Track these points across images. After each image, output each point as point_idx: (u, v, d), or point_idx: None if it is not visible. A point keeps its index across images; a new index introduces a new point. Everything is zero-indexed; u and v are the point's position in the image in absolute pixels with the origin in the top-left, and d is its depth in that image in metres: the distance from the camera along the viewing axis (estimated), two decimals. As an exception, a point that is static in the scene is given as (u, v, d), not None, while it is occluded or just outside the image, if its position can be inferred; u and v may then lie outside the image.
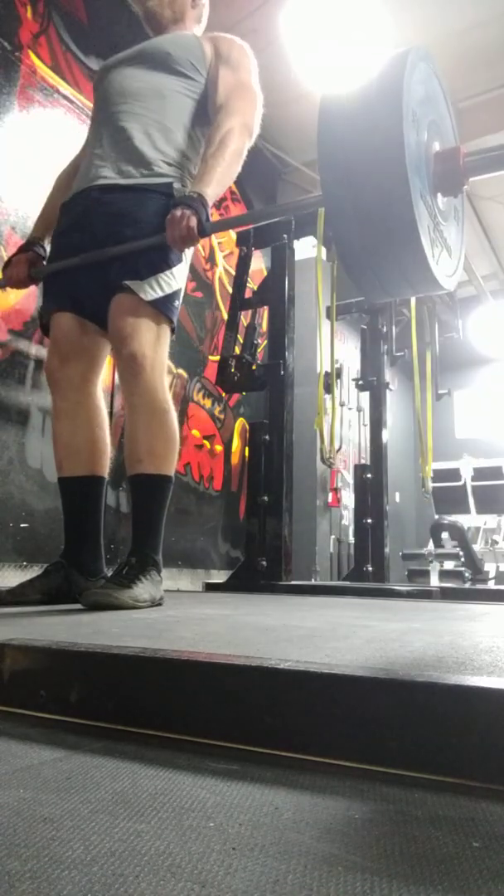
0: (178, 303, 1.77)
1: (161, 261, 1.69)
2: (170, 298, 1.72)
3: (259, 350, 3.36)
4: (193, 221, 1.57)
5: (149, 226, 1.67)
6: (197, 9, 2.00)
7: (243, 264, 3.36)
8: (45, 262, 1.88)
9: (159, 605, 1.66)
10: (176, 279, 1.73)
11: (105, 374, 1.89)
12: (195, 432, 4.35)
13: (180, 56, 1.84)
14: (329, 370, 3.62)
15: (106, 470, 1.84)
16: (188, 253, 1.80)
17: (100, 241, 1.71)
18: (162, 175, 1.75)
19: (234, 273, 3.41)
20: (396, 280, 1.27)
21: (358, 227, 1.17)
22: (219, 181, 1.68)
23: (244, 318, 3.25)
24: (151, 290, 1.67)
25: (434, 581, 5.34)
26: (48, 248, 1.91)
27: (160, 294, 1.69)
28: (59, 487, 1.83)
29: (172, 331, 1.79)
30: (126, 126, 1.77)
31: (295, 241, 3.37)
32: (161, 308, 1.69)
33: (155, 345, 1.69)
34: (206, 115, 1.85)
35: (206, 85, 1.85)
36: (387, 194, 1.11)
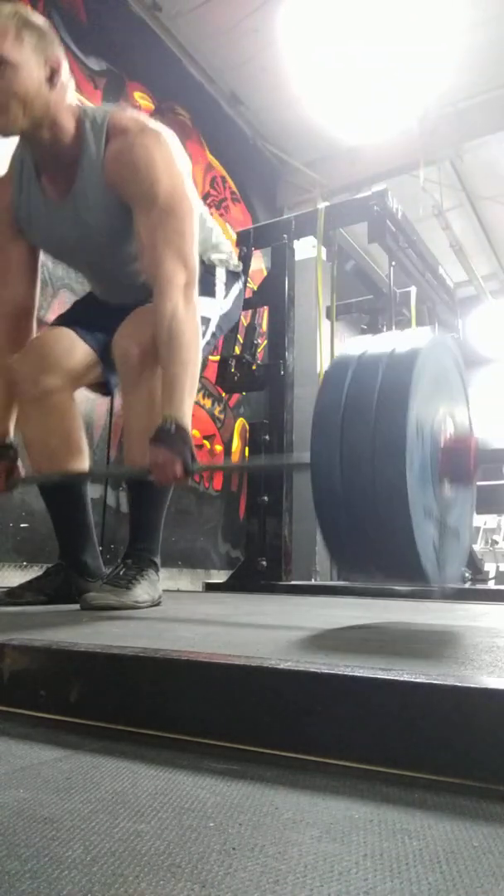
0: (205, 328, 1.70)
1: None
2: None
3: (259, 350, 3.37)
4: (179, 468, 1.41)
5: None
6: (57, 89, 1.51)
7: (243, 264, 3.36)
8: (18, 463, 1.75)
9: (158, 604, 1.66)
10: (204, 309, 1.68)
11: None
12: (195, 432, 4.34)
13: (121, 241, 1.63)
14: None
15: (86, 467, 1.80)
16: (221, 294, 1.83)
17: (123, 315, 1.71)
18: None
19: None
20: (387, 571, 1.19)
21: (346, 505, 1.06)
22: (190, 392, 1.50)
23: (244, 318, 3.25)
24: None
25: (434, 581, 5.33)
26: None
27: None
28: (40, 493, 1.81)
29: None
30: (118, 291, 1.78)
31: (295, 241, 3.37)
32: None
33: (155, 344, 1.68)
34: None
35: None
36: (384, 487, 1.01)
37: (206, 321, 1.72)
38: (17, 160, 1.69)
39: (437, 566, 1.13)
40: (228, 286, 1.88)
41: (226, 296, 1.86)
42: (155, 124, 1.59)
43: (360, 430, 1.04)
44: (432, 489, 1.12)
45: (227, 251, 1.89)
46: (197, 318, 1.54)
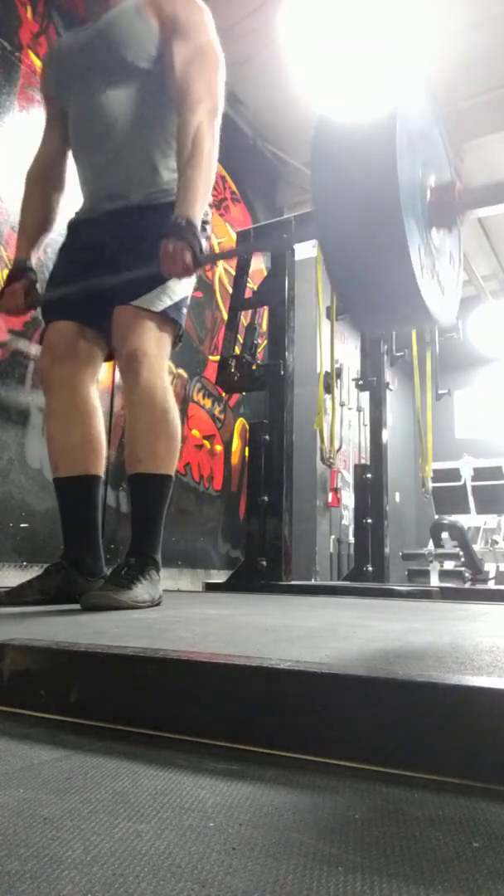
0: (185, 309, 1.78)
1: None
2: (177, 305, 1.74)
3: (259, 350, 3.37)
4: (188, 256, 1.53)
5: (155, 244, 1.67)
6: None
7: (243, 264, 3.36)
8: (37, 285, 1.85)
9: (158, 604, 1.66)
10: (182, 286, 1.74)
11: (105, 374, 1.89)
12: (195, 432, 4.35)
13: (137, 54, 1.74)
14: (329, 370, 3.62)
15: (102, 469, 1.83)
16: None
17: (108, 258, 1.72)
18: (163, 192, 1.76)
19: (233, 273, 3.41)
20: (389, 307, 1.27)
21: (350, 256, 1.17)
22: (203, 195, 1.62)
23: (244, 318, 3.25)
24: (160, 302, 1.70)
25: (434, 581, 5.34)
26: (34, 262, 1.88)
27: (168, 303, 1.71)
28: (55, 488, 1.83)
29: (180, 338, 1.81)
30: (116, 152, 1.77)
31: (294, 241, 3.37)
32: (166, 311, 1.72)
33: (157, 343, 1.70)
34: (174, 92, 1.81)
35: (164, 61, 1.75)
36: (380, 221, 1.11)
37: (183, 301, 1.77)
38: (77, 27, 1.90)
39: (436, 306, 1.21)
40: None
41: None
42: None
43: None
44: (424, 236, 1.21)
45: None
46: (216, 139, 1.67)
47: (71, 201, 1.97)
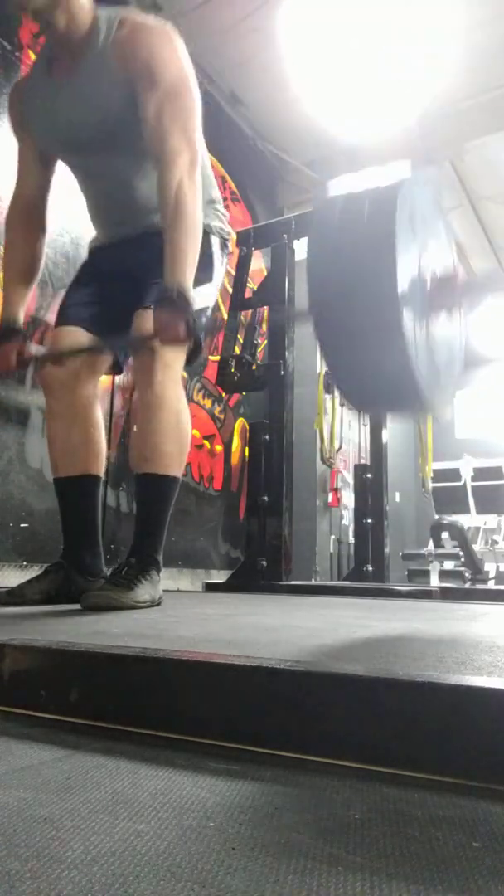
0: (203, 319, 1.77)
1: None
2: (196, 314, 1.71)
3: (259, 350, 3.37)
4: (182, 329, 1.49)
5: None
6: None
7: (243, 264, 3.36)
8: (28, 343, 1.80)
9: (159, 604, 1.66)
10: (203, 297, 1.73)
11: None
12: (195, 432, 4.34)
13: (119, 122, 1.65)
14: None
15: (102, 469, 1.83)
16: (218, 271, 1.84)
17: (123, 278, 1.75)
18: None
19: (234, 273, 3.41)
20: (383, 393, 1.23)
21: (345, 338, 1.13)
22: (192, 258, 1.57)
23: (244, 318, 3.25)
24: None
25: (434, 581, 5.34)
26: (23, 319, 1.83)
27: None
28: (55, 488, 1.83)
29: (200, 348, 1.77)
30: (121, 201, 1.78)
31: (295, 241, 3.37)
32: None
33: (172, 348, 1.70)
34: None
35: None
36: (377, 308, 1.07)
37: (203, 312, 1.75)
38: (37, 61, 1.79)
39: (431, 394, 1.19)
40: (221, 258, 1.90)
41: (214, 276, 1.87)
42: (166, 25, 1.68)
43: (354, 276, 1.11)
44: (423, 324, 1.18)
45: (222, 212, 1.91)
46: (199, 194, 1.61)
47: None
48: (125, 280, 1.75)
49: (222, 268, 1.93)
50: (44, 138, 1.81)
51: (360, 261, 1.09)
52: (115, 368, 1.95)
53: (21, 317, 1.83)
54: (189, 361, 1.76)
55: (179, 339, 1.52)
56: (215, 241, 1.86)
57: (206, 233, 1.79)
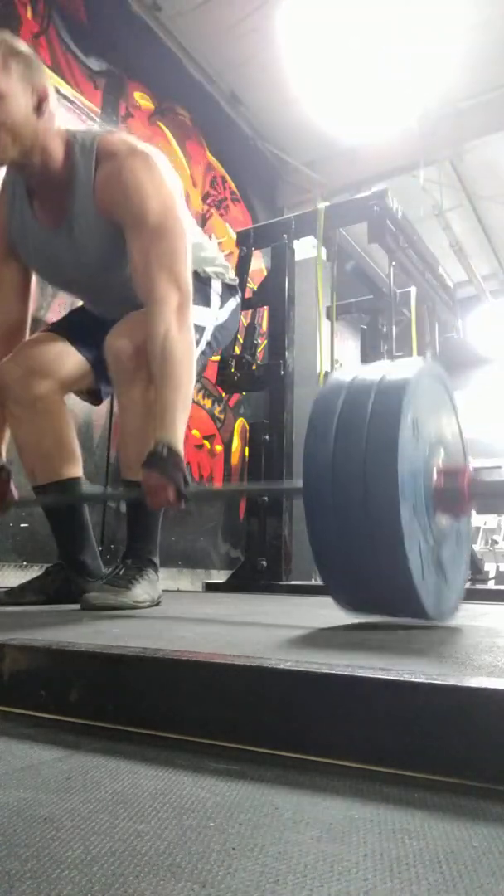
0: (199, 337, 1.69)
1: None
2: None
3: (259, 350, 3.36)
4: (171, 493, 1.40)
5: None
6: (45, 117, 1.51)
7: (243, 264, 3.36)
8: (10, 483, 1.73)
9: (158, 604, 1.66)
10: (201, 318, 1.70)
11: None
12: (195, 432, 4.35)
13: (115, 266, 1.63)
14: (329, 370, 3.62)
15: (79, 469, 1.79)
16: (222, 301, 1.85)
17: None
18: None
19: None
20: (379, 600, 1.17)
21: (338, 539, 1.05)
22: (182, 414, 1.49)
23: (244, 318, 3.25)
24: None
25: (434, 581, 5.33)
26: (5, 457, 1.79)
27: None
28: (34, 494, 1.80)
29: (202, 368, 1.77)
30: (114, 312, 1.74)
31: (295, 241, 3.37)
32: None
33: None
34: None
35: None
36: (375, 508, 1.00)
37: (199, 329, 1.71)
38: (9, 185, 1.70)
39: (435, 600, 1.13)
40: (224, 298, 1.87)
41: (221, 306, 1.85)
42: (144, 146, 1.59)
43: (353, 466, 1.03)
44: (427, 523, 1.11)
45: (221, 264, 1.89)
46: (191, 338, 1.53)
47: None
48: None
49: (227, 308, 1.89)
50: (40, 274, 1.78)
51: (359, 454, 1.02)
52: (95, 396, 1.90)
53: (3, 455, 1.77)
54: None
55: (168, 504, 1.43)
56: (215, 284, 1.84)
57: (207, 277, 1.79)
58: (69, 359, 1.77)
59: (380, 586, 1.10)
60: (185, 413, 1.50)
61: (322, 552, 1.10)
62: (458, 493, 1.16)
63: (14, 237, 1.71)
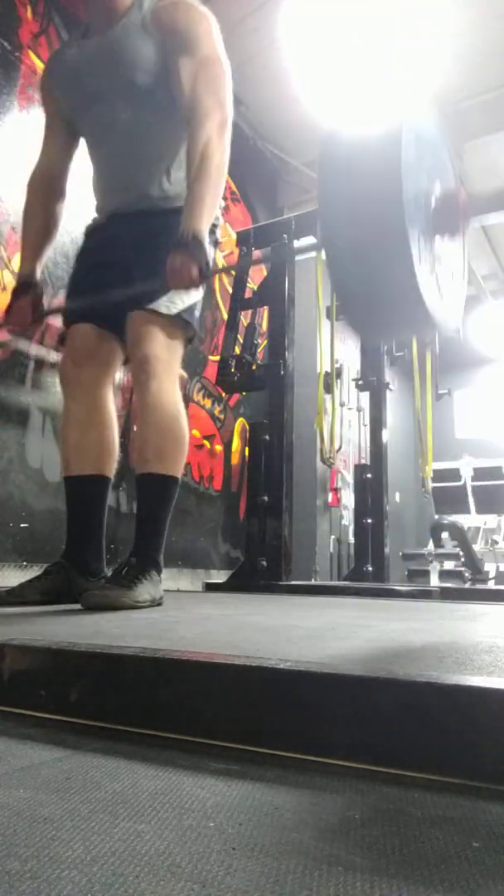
0: (196, 312, 1.82)
1: None
2: (190, 308, 1.77)
3: (259, 350, 3.36)
4: (195, 271, 1.55)
5: (165, 249, 1.68)
6: None
7: (243, 264, 3.35)
8: (43, 299, 1.89)
9: (159, 604, 1.66)
10: (193, 292, 1.76)
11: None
12: (195, 432, 4.35)
13: (146, 76, 1.73)
14: (329, 370, 3.62)
15: (112, 471, 1.84)
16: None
17: (123, 262, 1.75)
18: (172, 199, 1.79)
19: (233, 273, 3.40)
20: (389, 311, 1.27)
21: (353, 260, 1.18)
22: (210, 209, 1.63)
23: (244, 318, 3.25)
24: (173, 305, 1.72)
25: (434, 581, 5.34)
26: (39, 274, 1.90)
27: (182, 306, 1.74)
28: (64, 487, 1.83)
29: (191, 340, 1.84)
30: (129, 161, 1.80)
31: (295, 241, 3.37)
32: (180, 314, 1.74)
33: (168, 349, 1.73)
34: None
35: (172, 76, 1.73)
36: (383, 229, 1.11)
37: (192, 310, 1.78)
38: (73, 34, 1.90)
39: (437, 306, 1.22)
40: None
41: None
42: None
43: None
44: (427, 243, 1.22)
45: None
46: (226, 151, 1.68)
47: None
48: (119, 264, 1.76)
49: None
50: (65, 87, 1.86)
51: (367, 183, 1.14)
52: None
53: (37, 272, 1.89)
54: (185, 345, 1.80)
55: (191, 283, 1.58)
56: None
57: None
58: (115, 348, 1.85)
59: (391, 301, 1.21)
60: (211, 211, 1.65)
61: (340, 279, 1.22)
62: (453, 214, 1.31)
63: (57, 69, 1.86)
